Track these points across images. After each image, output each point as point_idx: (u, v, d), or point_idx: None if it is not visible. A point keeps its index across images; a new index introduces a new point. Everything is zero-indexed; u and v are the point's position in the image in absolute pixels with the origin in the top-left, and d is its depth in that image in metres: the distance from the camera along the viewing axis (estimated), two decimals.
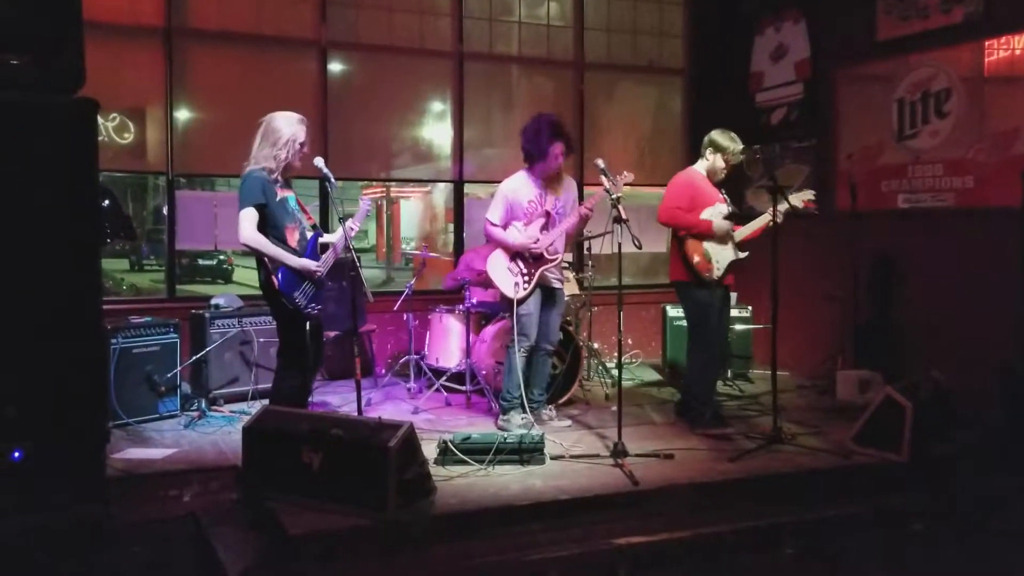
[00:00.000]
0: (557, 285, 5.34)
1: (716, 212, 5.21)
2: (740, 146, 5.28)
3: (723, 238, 5.17)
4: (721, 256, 5.20)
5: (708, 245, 5.19)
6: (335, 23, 7.09)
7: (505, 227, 5.28)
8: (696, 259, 5.18)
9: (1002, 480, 4.58)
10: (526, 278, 5.18)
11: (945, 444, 4.84)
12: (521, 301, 5.14)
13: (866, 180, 6.61)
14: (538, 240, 5.18)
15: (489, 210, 5.34)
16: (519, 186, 5.26)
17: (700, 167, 5.35)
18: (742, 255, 5.21)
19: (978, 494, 4.50)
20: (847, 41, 6.87)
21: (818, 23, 7.19)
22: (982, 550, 3.98)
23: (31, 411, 3.53)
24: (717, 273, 5.17)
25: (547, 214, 5.24)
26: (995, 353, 5.32)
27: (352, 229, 4.63)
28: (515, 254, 5.23)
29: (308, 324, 4.57)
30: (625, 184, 4.85)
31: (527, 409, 5.17)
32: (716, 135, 5.31)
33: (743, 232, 5.20)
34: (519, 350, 5.15)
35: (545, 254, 5.20)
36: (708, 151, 5.31)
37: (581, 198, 5.83)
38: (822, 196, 5.10)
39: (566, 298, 5.63)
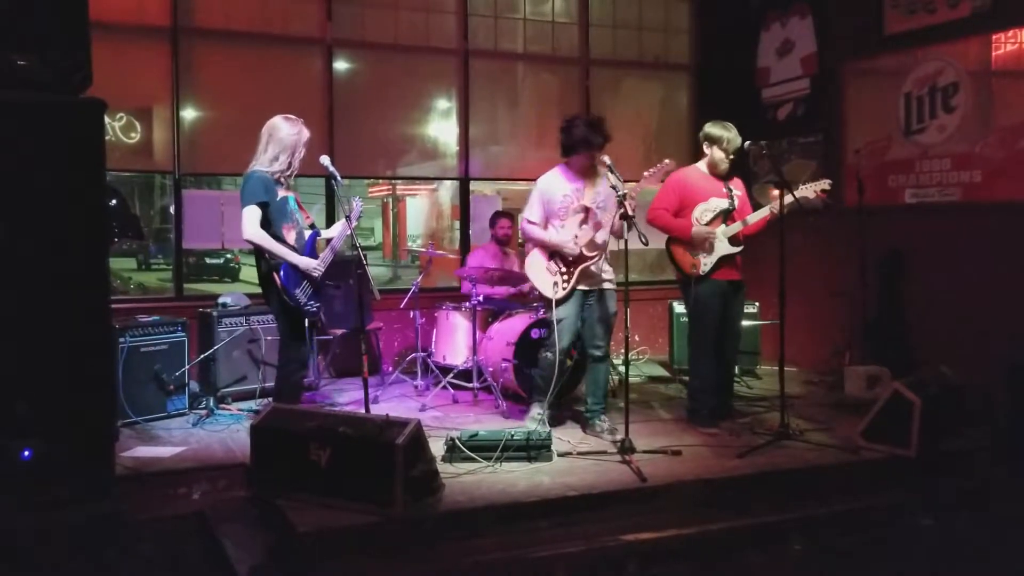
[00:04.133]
0: (607, 286, 5.09)
1: (706, 209, 5.16)
2: (733, 134, 5.17)
3: (701, 243, 5.13)
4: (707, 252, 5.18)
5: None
6: (341, 21, 7.10)
7: (544, 225, 5.12)
8: (681, 256, 5.21)
9: (1011, 475, 4.57)
10: (565, 277, 5.00)
11: (954, 439, 4.82)
12: (560, 302, 4.98)
13: (873, 175, 6.59)
14: (576, 237, 4.99)
15: (526, 208, 5.17)
16: (552, 181, 5.11)
17: (701, 163, 5.33)
18: (735, 249, 5.14)
19: (987, 489, 4.49)
20: (854, 36, 6.85)
21: (824, 18, 7.17)
22: (991, 545, 3.97)
23: (40, 410, 3.55)
24: (704, 269, 5.13)
25: (585, 209, 5.02)
26: (1003, 347, 5.31)
27: (352, 223, 4.68)
28: (553, 253, 5.06)
29: (307, 321, 4.63)
30: (666, 171, 4.83)
31: (548, 407, 5.05)
32: (709, 127, 5.26)
33: (730, 230, 5.13)
34: (550, 354, 5.01)
35: (584, 251, 4.99)
36: (705, 145, 5.28)
37: None
38: (829, 191, 5.08)
39: (613, 290, 5.17)
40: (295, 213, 4.74)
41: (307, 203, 5.07)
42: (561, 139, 5.09)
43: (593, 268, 5.03)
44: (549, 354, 5.03)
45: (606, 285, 5.10)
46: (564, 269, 5.02)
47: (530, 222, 5.14)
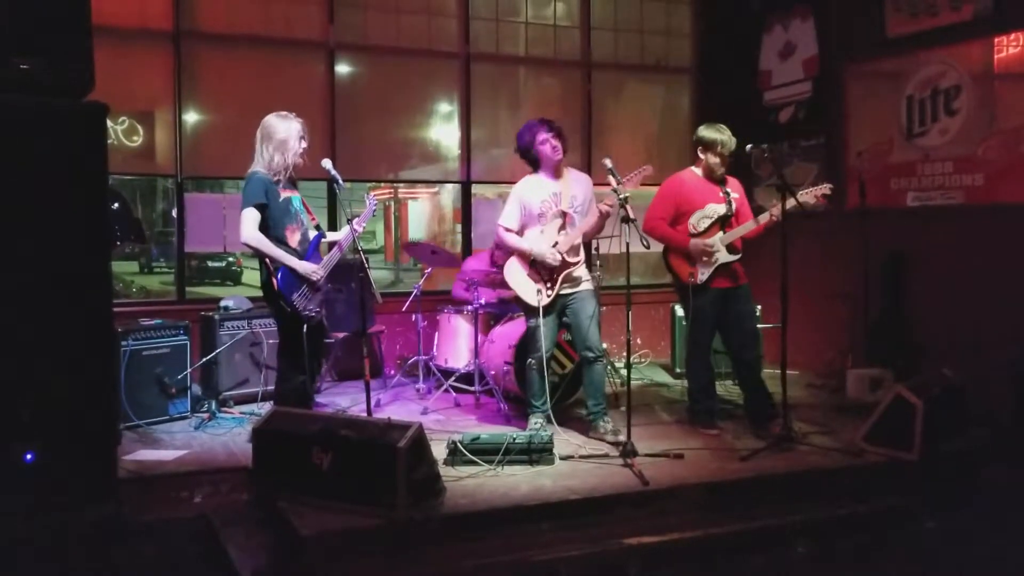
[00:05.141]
0: (587, 287, 5.09)
1: (703, 216, 5.14)
2: (727, 136, 5.12)
3: (700, 256, 5.10)
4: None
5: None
6: (343, 25, 7.11)
7: (521, 232, 5.11)
8: (678, 266, 5.20)
9: (1014, 477, 4.56)
10: (549, 285, 4.98)
11: (957, 442, 4.81)
12: (547, 309, 4.96)
13: (875, 178, 6.59)
14: (557, 244, 4.97)
15: (502, 215, 5.14)
16: (530, 186, 5.10)
17: (696, 167, 5.29)
18: (733, 258, 5.13)
19: (990, 491, 4.48)
20: (856, 38, 6.84)
21: (826, 20, 7.17)
22: (995, 548, 3.96)
23: (43, 413, 3.55)
24: (702, 278, 5.11)
25: (563, 214, 5.02)
26: (1006, 350, 5.30)
27: (356, 230, 4.65)
28: (534, 260, 5.03)
29: (305, 327, 4.57)
30: (644, 176, 4.79)
31: (552, 419, 5.07)
32: (703, 131, 5.20)
33: (729, 237, 5.11)
34: (531, 363, 5.06)
35: (567, 258, 4.97)
36: (699, 149, 5.22)
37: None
38: (831, 194, 5.08)
39: (587, 289, 5.14)
40: (300, 214, 4.70)
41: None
42: (525, 153, 5.08)
43: (575, 272, 5.03)
44: (534, 361, 5.05)
45: (584, 286, 5.10)
46: (547, 276, 5.01)
47: (506, 229, 5.10)
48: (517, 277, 5.07)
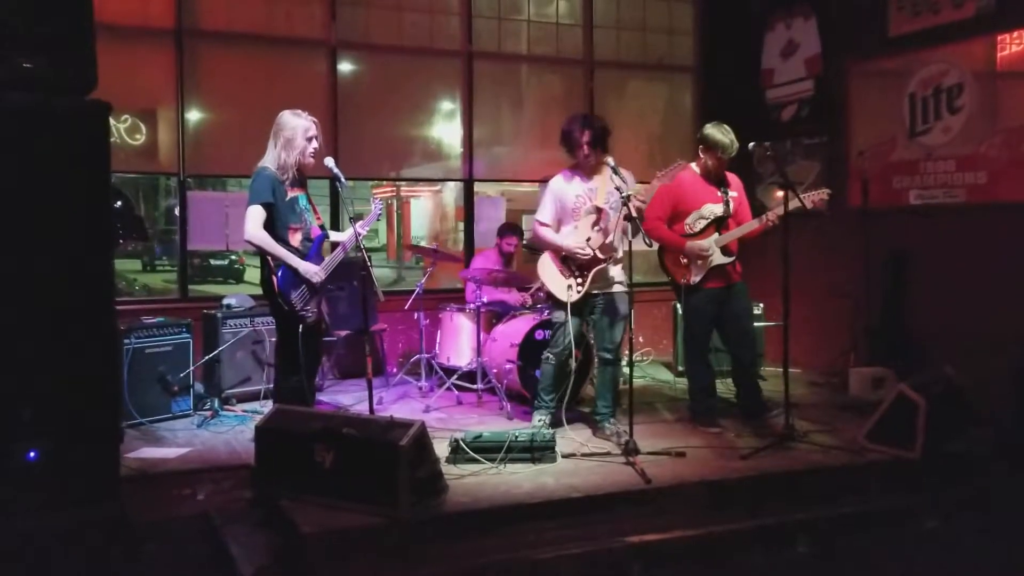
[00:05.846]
0: (618, 288, 5.00)
1: (699, 217, 5.14)
2: (730, 139, 5.10)
3: (695, 258, 5.11)
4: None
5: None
6: (345, 23, 7.11)
7: (557, 227, 5.07)
8: (672, 267, 5.22)
9: (1015, 476, 4.56)
10: (579, 280, 4.93)
11: (959, 441, 4.81)
12: (576, 305, 4.91)
13: (878, 176, 6.58)
14: (589, 240, 4.91)
15: (538, 210, 5.12)
16: (565, 181, 5.04)
17: (695, 164, 5.28)
18: (727, 260, 5.13)
19: (992, 491, 4.47)
20: (858, 37, 6.83)
21: (829, 19, 7.16)
22: (995, 548, 3.96)
23: (45, 412, 3.55)
24: (695, 279, 5.12)
25: (598, 210, 4.92)
26: (1008, 349, 5.29)
27: (360, 233, 4.65)
28: (566, 256, 4.99)
29: (301, 326, 4.56)
30: (679, 171, 4.76)
31: (563, 421, 5.02)
32: (710, 131, 5.17)
33: (724, 239, 5.11)
34: (548, 357, 5.06)
35: (598, 254, 4.89)
36: (700, 149, 5.21)
37: None
38: (833, 193, 5.07)
39: (624, 292, 5.05)
40: (304, 213, 4.68)
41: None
42: (562, 141, 5.03)
43: (608, 271, 4.98)
44: (552, 356, 5.05)
45: (617, 287, 5.04)
46: (578, 272, 4.96)
47: (542, 224, 5.08)
48: (549, 271, 5.05)
